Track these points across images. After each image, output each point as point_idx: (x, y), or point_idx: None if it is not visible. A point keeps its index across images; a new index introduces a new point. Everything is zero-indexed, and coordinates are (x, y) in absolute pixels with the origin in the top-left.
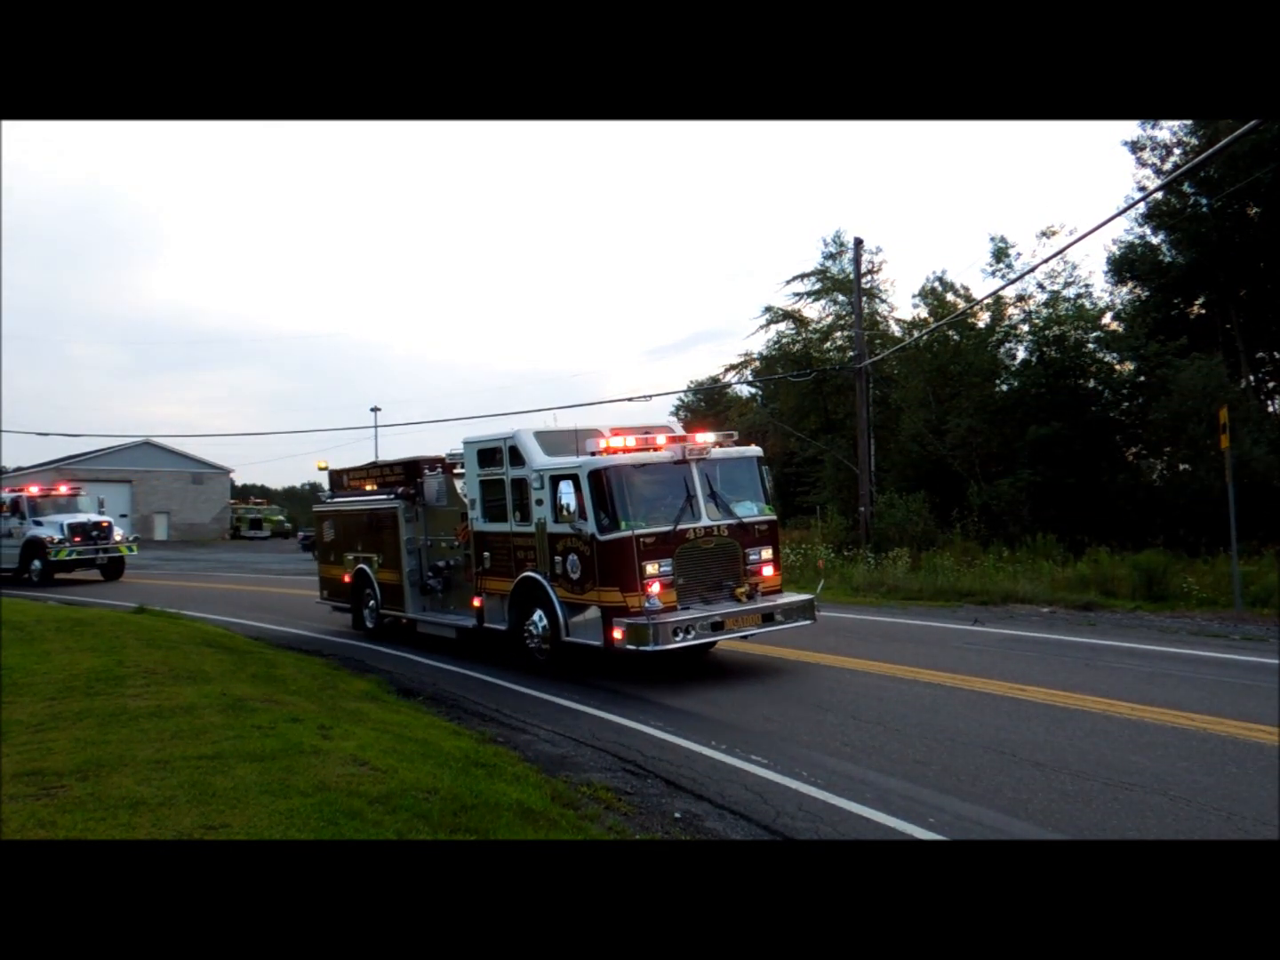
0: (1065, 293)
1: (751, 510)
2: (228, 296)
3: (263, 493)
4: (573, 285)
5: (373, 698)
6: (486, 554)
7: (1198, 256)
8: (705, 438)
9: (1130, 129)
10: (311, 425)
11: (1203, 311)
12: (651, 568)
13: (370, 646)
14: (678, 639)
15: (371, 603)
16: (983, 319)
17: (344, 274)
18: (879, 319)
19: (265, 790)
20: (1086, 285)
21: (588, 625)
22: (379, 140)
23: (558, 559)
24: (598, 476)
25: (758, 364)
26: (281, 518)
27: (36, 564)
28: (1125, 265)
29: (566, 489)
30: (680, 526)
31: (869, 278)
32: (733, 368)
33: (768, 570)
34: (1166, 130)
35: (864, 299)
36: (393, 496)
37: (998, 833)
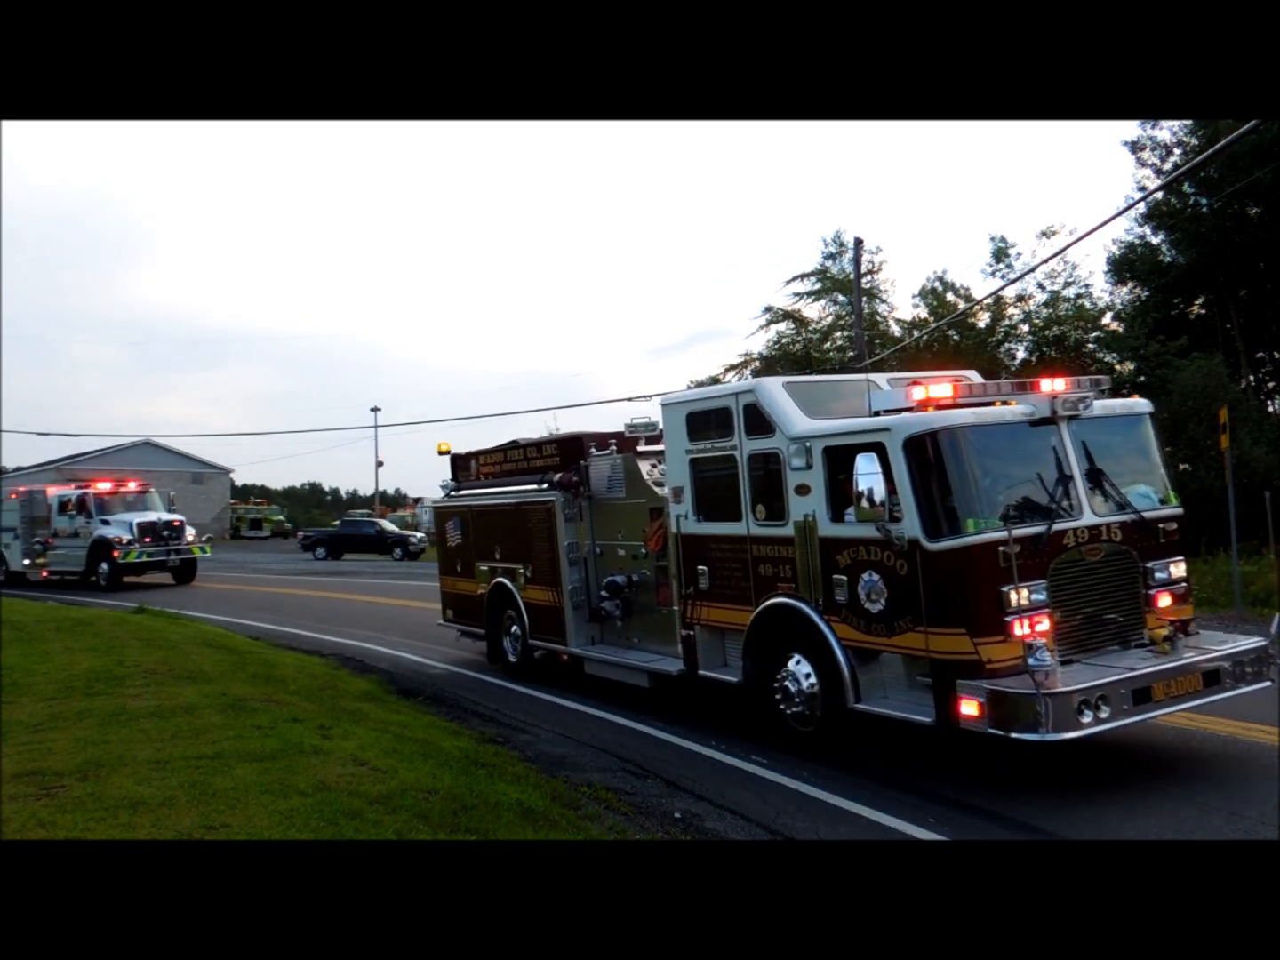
0: (1065, 293)
1: (1149, 500)
2: (228, 297)
3: (263, 493)
4: (573, 285)
5: (373, 698)
6: (703, 568)
7: (1198, 256)
8: (1070, 384)
9: (1130, 129)
10: (311, 425)
11: (1203, 311)
12: (1018, 596)
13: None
14: (1086, 720)
15: (515, 629)
16: (983, 319)
17: (344, 275)
18: (879, 319)
19: (265, 790)
20: (1086, 285)
21: (899, 688)
22: (379, 140)
23: (838, 578)
24: (922, 445)
25: (758, 364)
26: (281, 518)
27: (104, 567)
28: (1125, 265)
29: (866, 467)
30: (1057, 527)
31: (869, 278)
32: (733, 368)
33: (1179, 597)
34: (1166, 130)
35: (864, 299)
36: (546, 486)
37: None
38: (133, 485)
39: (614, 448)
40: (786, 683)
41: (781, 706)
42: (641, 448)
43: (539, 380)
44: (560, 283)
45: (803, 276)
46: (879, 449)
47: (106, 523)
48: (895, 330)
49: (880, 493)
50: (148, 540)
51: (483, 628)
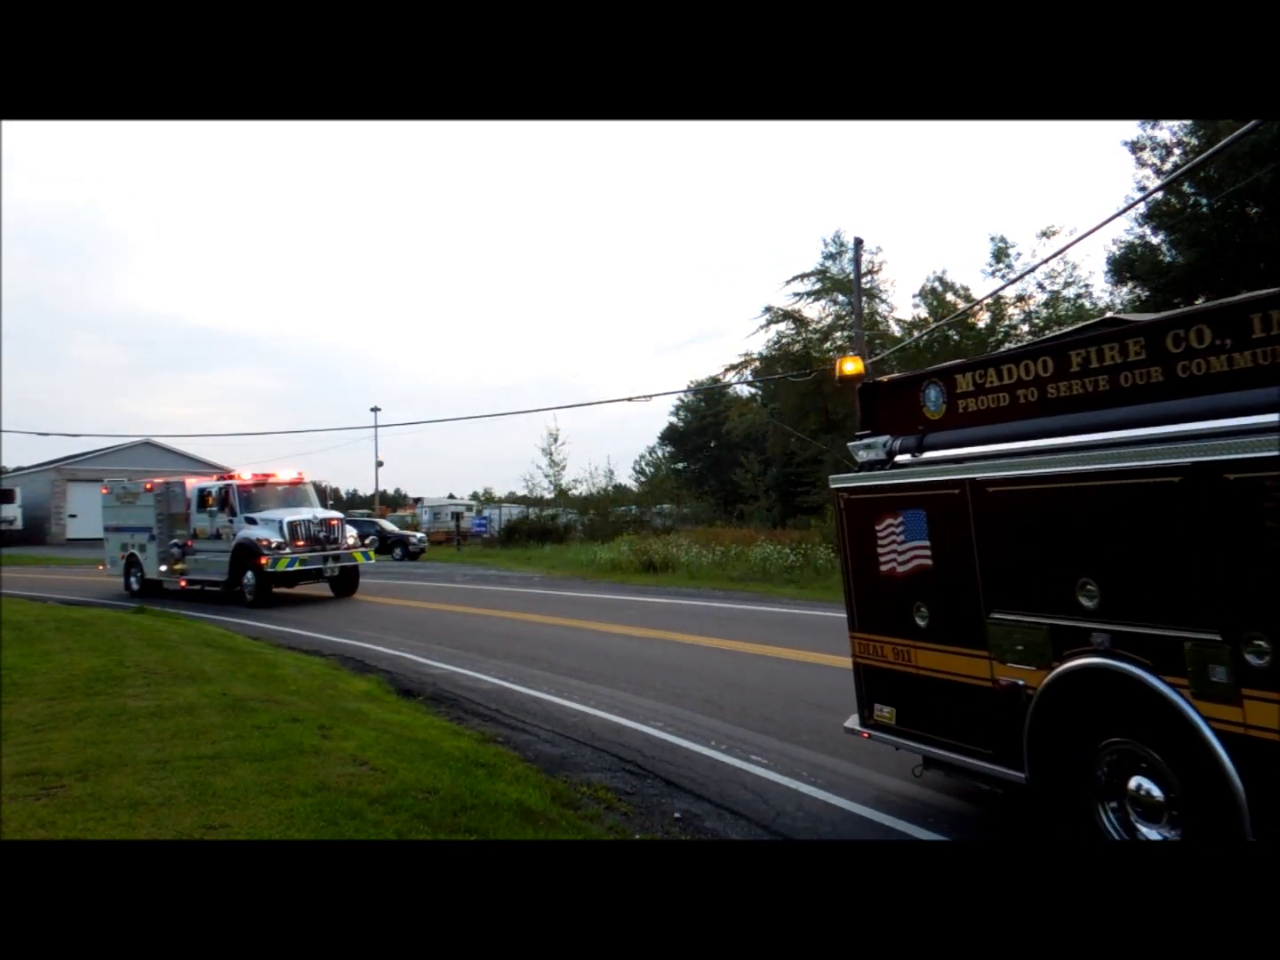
0: (1065, 293)
1: None
2: (229, 297)
3: None
4: (573, 285)
5: (373, 698)
6: None
7: (1198, 256)
8: None
9: (1130, 129)
10: (311, 425)
11: None
12: None
13: None
14: None
15: (1151, 790)
16: (983, 319)
17: (345, 275)
18: (879, 319)
19: (265, 790)
20: (1086, 285)
21: None
22: (380, 140)
23: None
24: None
25: (758, 364)
26: None
27: (250, 577)
28: (1125, 265)
29: None
30: None
31: (869, 278)
32: (733, 367)
33: None
34: (1166, 130)
35: (864, 299)
36: None
37: None
38: (285, 475)
39: None
40: None
41: None
42: None
43: (539, 380)
44: (560, 282)
45: (803, 276)
46: None
47: (252, 521)
48: (895, 330)
49: None
50: (300, 544)
51: (1006, 764)
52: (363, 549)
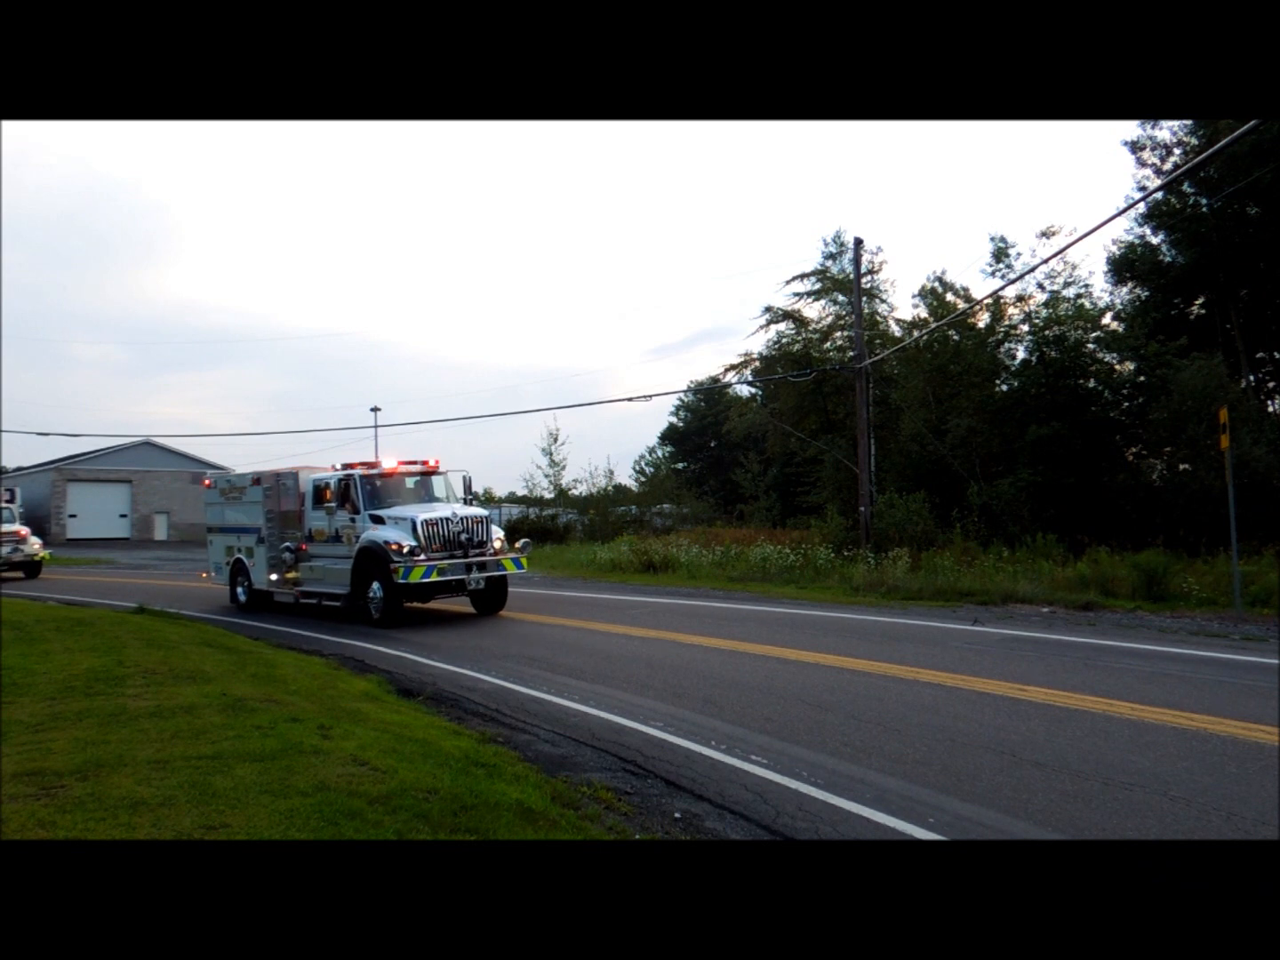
0: (1065, 293)
1: None
2: (228, 296)
3: None
4: (573, 285)
5: (373, 698)
6: None
7: (1198, 256)
8: None
9: (1130, 129)
10: (311, 425)
11: (1203, 311)
12: None
13: None
14: None
15: None
16: (983, 319)
17: (344, 274)
18: (879, 319)
19: (265, 790)
20: (1086, 285)
21: None
22: (380, 140)
23: None
24: None
25: (758, 364)
26: None
27: (376, 589)
28: (1125, 265)
29: None
30: None
31: (869, 278)
32: (733, 368)
33: None
34: (1166, 130)
35: (864, 299)
36: None
37: (998, 833)
38: (416, 464)
39: None
40: None
41: None
42: None
43: (539, 379)
44: (561, 282)
45: (803, 276)
46: None
47: (379, 520)
48: (895, 330)
49: None
50: (437, 549)
51: None
52: (514, 555)
